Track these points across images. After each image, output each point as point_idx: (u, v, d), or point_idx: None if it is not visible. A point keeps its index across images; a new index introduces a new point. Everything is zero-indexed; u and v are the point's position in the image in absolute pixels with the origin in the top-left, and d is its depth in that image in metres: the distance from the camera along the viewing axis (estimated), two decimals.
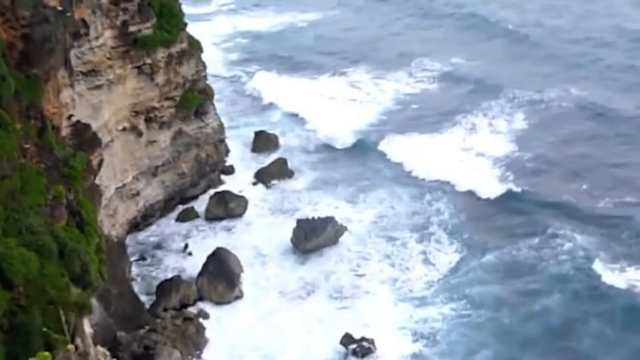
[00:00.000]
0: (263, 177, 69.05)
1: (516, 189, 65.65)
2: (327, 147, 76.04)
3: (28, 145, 38.21)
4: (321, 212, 61.87)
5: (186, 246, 58.57)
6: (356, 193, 67.19)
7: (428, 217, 62.67)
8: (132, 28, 54.93)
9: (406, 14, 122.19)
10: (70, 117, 45.67)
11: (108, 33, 52.68)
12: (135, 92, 56.49)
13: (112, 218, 52.55)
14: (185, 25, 61.58)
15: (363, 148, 75.54)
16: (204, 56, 65.53)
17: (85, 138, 46.51)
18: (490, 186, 66.56)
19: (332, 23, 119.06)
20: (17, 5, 39.73)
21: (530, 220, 60.98)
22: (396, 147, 74.63)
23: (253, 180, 69.08)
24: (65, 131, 44.00)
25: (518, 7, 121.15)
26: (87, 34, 49.51)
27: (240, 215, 62.83)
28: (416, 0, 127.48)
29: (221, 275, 53.00)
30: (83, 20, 48.93)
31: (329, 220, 59.51)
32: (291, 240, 58.60)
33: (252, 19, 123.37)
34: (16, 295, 35.01)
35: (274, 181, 68.70)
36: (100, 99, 51.46)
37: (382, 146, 75.12)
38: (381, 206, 64.79)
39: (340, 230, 59.62)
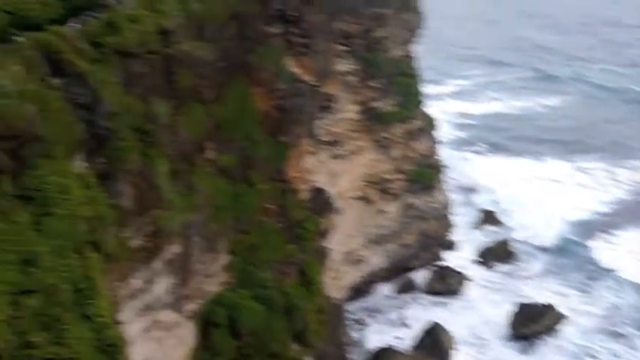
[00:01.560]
0: (485, 256, 65.36)
1: None
2: (553, 232, 70.35)
3: (269, 205, 38.80)
4: (542, 298, 57.45)
5: (402, 317, 56.28)
6: (582, 282, 61.59)
7: None
8: (375, 104, 55.24)
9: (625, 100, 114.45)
10: (309, 182, 46.11)
11: (352, 107, 53.36)
12: (371, 164, 56.42)
13: (335, 281, 51.97)
14: (423, 103, 60.90)
15: (591, 236, 69.19)
16: (436, 134, 64.24)
17: (321, 203, 46.64)
18: None
19: (566, 109, 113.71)
20: (276, 79, 41.07)
21: None
22: (628, 238, 67.53)
23: (475, 258, 65.53)
24: (303, 195, 44.40)
25: None
26: (333, 108, 50.29)
27: (458, 292, 59.59)
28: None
29: (434, 350, 50.23)
30: (331, 94, 49.81)
31: (549, 308, 54.93)
32: (508, 324, 54.19)
33: (488, 101, 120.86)
34: (242, 344, 34.94)
35: (496, 262, 64.63)
36: (339, 167, 51.80)
37: (612, 236, 68.74)
38: (605, 299, 58.86)
39: (560, 319, 54.38)
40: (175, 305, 31.15)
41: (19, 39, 24.16)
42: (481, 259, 65.28)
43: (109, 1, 29.33)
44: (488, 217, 73.22)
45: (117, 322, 24.26)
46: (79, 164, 24.36)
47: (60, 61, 24.27)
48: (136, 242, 27.39)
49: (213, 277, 34.27)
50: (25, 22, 25.24)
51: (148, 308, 28.96)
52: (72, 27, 26.54)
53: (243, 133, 36.82)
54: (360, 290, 58.53)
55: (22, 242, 20.60)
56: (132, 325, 26.99)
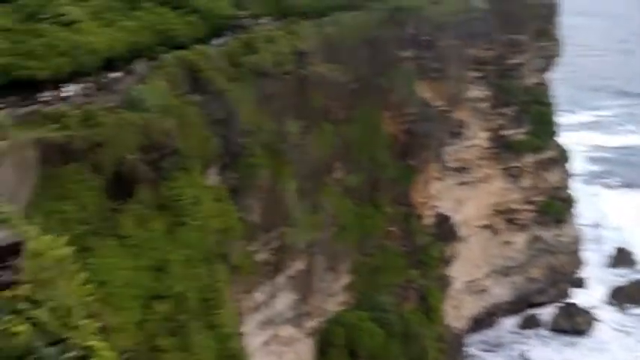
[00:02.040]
0: (618, 297, 60.68)
1: None
2: None
3: (393, 229, 38.20)
4: None
5: (523, 354, 53.22)
6: None
7: None
8: (505, 132, 53.35)
9: None
10: (434, 208, 45.03)
11: (482, 134, 51.77)
12: (499, 193, 54.33)
13: (456, 310, 50.19)
14: (557, 133, 58.08)
15: None
16: (569, 166, 60.90)
17: (445, 229, 45.45)
18: None
19: None
20: (406, 103, 40.62)
21: None
22: None
23: (606, 299, 60.99)
24: (428, 220, 43.42)
25: None
26: (463, 134, 49.03)
27: (586, 332, 55.58)
28: None
29: None
30: (461, 120, 48.62)
31: None
32: None
33: (624, 133, 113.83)
34: None
35: (629, 304, 59.86)
36: (465, 194, 50.28)
37: None
38: None
39: None
40: (296, 321, 31.15)
41: (165, 56, 25.22)
42: (613, 300, 60.80)
43: (248, 23, 30.13)
44: (621, 256, 68.31)
45: (240, 334, 24.45)
46: (212, 178, 24.95)
47: (200, 79, 25.08)
48: (261, 256, 27.66)
49: (334, 296, 34.04)
50: (172, 41, 26.35)
51: (270, 322, 29.11)
52: (213, 46, 27.44)
53: (370, 154, 36.59)
54: (481, 322, 56.05)
55: (156, 249, 21.21)
56: (253, 337, 27.17)
